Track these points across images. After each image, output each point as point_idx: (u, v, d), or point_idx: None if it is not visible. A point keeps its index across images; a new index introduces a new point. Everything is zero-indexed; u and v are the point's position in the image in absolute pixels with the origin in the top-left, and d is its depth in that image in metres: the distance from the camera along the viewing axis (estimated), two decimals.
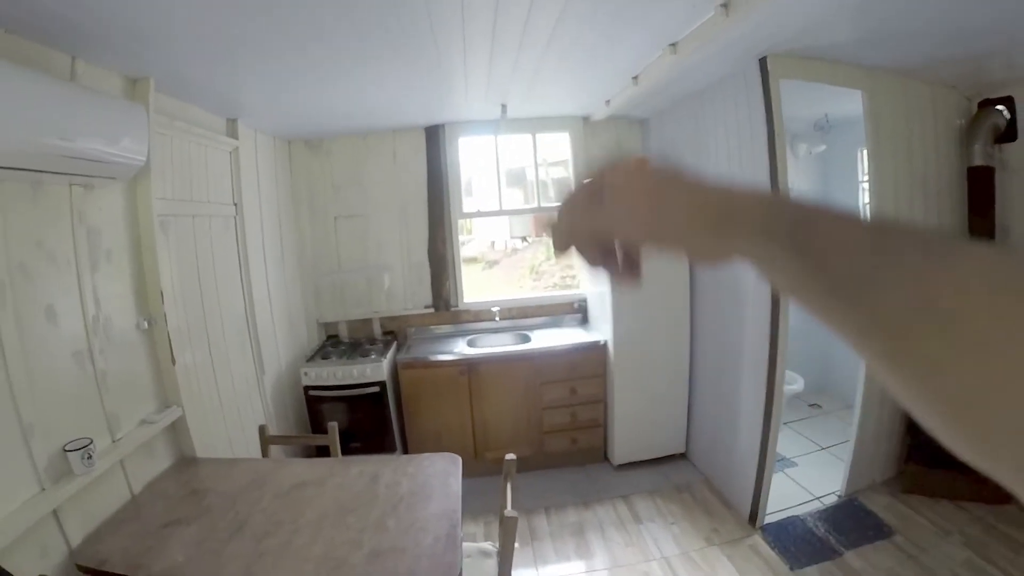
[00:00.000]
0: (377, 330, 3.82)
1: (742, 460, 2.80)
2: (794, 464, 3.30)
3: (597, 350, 3.42)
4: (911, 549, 2.44)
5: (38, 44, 1.61)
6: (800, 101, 2.89)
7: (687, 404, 3.46)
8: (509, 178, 4.24)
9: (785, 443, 3.34)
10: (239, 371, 2.77)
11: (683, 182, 0.36)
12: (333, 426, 2.35)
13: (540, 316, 4.00)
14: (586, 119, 3.82)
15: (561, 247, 0.43)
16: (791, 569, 2.41)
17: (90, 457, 1.61)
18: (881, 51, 2.30)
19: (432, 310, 3.90)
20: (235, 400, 2.69)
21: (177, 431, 2.16)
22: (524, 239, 8.29)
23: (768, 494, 2.69)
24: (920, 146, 2.76)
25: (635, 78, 2.67)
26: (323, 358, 3.44)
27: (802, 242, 0.29)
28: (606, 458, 3.56)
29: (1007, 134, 2.73)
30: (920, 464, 2.81)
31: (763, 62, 2.33)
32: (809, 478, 3.13)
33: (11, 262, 1.50)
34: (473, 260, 7.11)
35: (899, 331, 0.25)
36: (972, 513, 2.62)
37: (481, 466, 3.21)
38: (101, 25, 1.58)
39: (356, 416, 3.26)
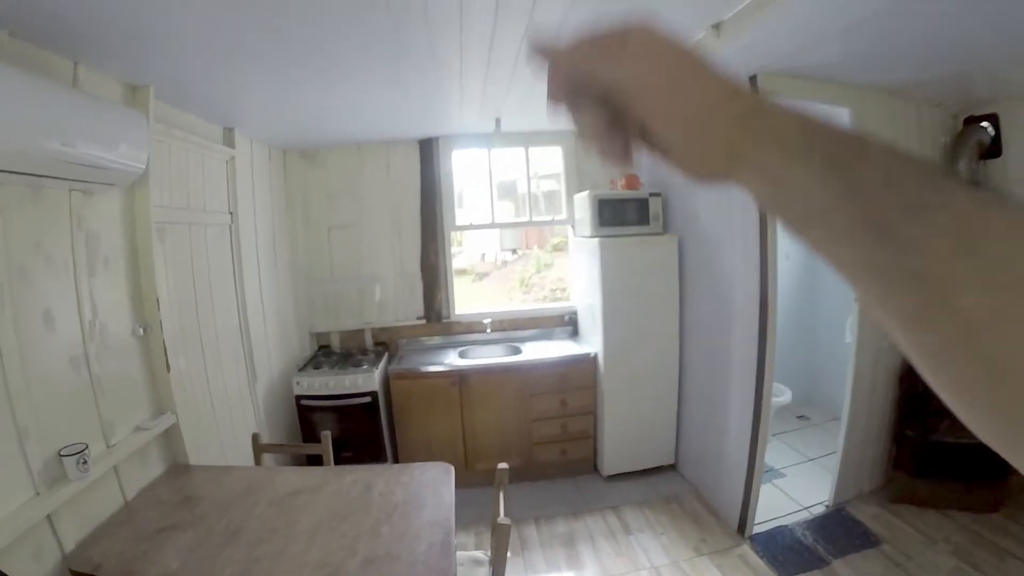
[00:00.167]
0: (369, 341, 3.82)
1: (731, 471, 2.83)
2: (782, 475, 3.34)
3: (587, 362, 3.45)
4: (898, 557, 2.47)
5: (41, 49, 1.63)
6: None
7: (676, 416, 3.49)
8: (500, 190, 4.29)
9: (773, 454, 3.39)
10: (232, 379, 2.77)
11: (718, 68, 0.33)
12: (326, 435, 2.35)
13: (531, 328, 4.03)
14: None
15: (556, 95, 0.38)
16: None
17: (85, 462, 1.61)
18: (868, 70, 2.37)
19: (424, 321, 3.92)
20: (228, 408, 2.68)
21: (171, 438, 2.15)
22: (514, 251, 8.36)
23: (756, 504, 2.72)
24: None
25: None
26: (315, 368, 3.44)
27: (843, 165, 0.27)
28: (596, 469, 3.57)
29: (992, 150, 2.78)
30: (907, 474, 2.86)
31: (753, 80, 2.40)
32: (797, 488, 3.17)
33: (11, 263, 1.51)
34: (463, 272, 7.15)
35: (938, 278, 0.23)
36: (958, 521, 2.66)
37: (471, 477, 3.21)
38: (101, 27, 1.59)
39: (347, 426, 3.25)
